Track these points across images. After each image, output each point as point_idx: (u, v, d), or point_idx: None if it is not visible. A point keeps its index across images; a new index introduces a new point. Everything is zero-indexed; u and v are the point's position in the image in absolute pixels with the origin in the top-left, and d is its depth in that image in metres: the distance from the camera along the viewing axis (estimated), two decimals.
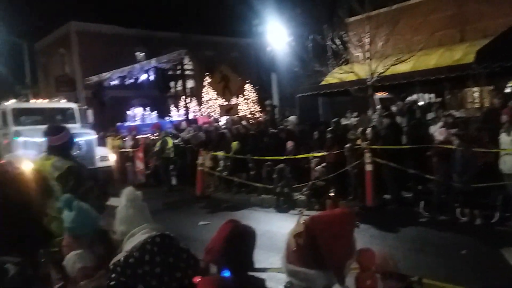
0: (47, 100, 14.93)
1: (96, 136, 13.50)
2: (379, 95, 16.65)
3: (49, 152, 3.99)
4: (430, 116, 10.75)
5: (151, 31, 30.62)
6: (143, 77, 18.43)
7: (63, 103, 14.91)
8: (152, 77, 17.91)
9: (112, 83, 20.33)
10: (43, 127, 13.78)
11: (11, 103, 13.59)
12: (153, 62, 18.06)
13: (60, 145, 3.97)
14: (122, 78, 19.62)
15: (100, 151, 12.87)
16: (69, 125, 12.67)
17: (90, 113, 14.90)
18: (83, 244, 3.00)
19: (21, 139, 11.88)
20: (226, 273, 2.11)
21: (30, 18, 32.14)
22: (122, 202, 2.53)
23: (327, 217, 1.55)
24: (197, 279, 2.22)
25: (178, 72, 19.59)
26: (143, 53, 31.24)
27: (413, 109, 10.52)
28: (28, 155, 9.79)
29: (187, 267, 2.36)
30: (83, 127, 13.76)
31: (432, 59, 13.39)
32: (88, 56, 28.75)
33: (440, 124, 8.08)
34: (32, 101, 14.68)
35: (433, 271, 5.36)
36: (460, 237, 6.65)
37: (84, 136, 12.31)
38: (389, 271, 1.65)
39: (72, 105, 14.67)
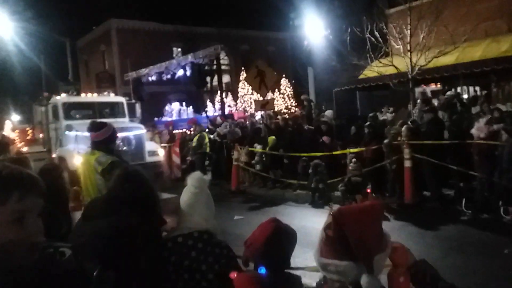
0: (96, 94, 14.81)
1: (146, 130, 13.14)
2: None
3: (93, 147, 4.12)
4: (475, 110, 10.30)
5: (188, 27, 31.06)
6: (180, 72, 18.72)
7: (112, 97, 14.75)
8: (188, 73, 18.16)
9: (150, 78, 20.80)
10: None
11: (62, 97, 13.37)
12: (190, 57, 18.30)
13: (102, 140, 4.10)
14: (160, 73, 20.02)
15: (149, 146, 12.58)
16: (118, 119, 12.62)
17: (138, 107, 14.69)
18: None
19: (72, 133, 11.70)
20: (262, 270, 2.13)
21: (72, 17, 33.33)
22: (189, 184, 2.52)
23: (355, 209, 1.56)
24: (233, 275, 2.22)
25: (214, 67, 19.76)
26: (180, 49, 31.75)
27: (453, 103, 10.09)
28: (79, 149, 9.92)
29: (208, 270, 2.35)
30: (131, 121, 13.63)
31: (477, 51, 12.83)
32: (127, 52, 29.52)
33: (482, 120, 7.72)
34: (82, 95, 14.40)
35: (473, 271, 5.16)
36: (503, 237, 6.34)
37: (134, 130, 12.06)
38: (422, 270, 1.61)
39: (121, 99, 14.48)
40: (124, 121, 13.11)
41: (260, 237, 2.18)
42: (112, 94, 15.29)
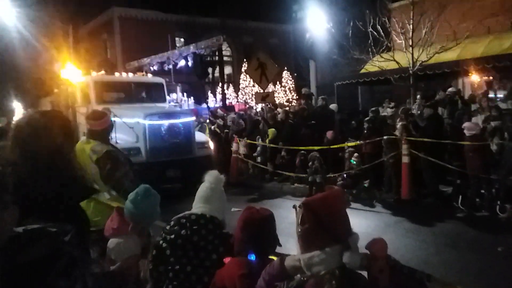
0: (131, 74, 12.77)
1: (194, 117, 11.13)
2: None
3: (89, 136, 4.13)
4: (474, 107, 10.30)
5: (191, 17, 30.89)
6: (182, 62, 18.67)
7: (150, 78, 12.82)
8: (190, 63, 18.12)
9: (152, 68, 20.75)
10: (132, 106, 10.72)
11: (93, 75, 11.28)
12: (192, 48, 18.25)
13: (100, 130, 4.11)
14: (161, 63, 19.96)
15: (198, 137, 10.51)
16: (157, 104, 11.31)
17: (179, 90, 12.89)
18: (134, 231, 3.07)
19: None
20: (252, 256, 2.26)
21: (75, 4, 33.07)
22: (206, 180, 2.75)
23: (319, 197, 1.64)
24: (227, 259, 2.38)
25: (216, 58, 19.71)
26: (183, 39, 31.62)
27: (455, 100, 10.11)
28: (119, 141, 8.58)
29: (213, 251, 2.50)
30: (172, 106, 11.84)
31: (479, 48, 12.80)
32: (129, 41, 29.43)
33: (475, 117, 7.75)
34: (116, 74, 12.22)
35: (466, 267, 5.22)
36: (497, 234, 6.38)
37: (182, 117, 10.05)
38: (399, 264, 1.68)
39: (160, 80, 12.42)
40: (164, 106, 11.42)
41: (237, 227, 2.34)
42: (149, 74, 13.26)
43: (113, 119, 8.96)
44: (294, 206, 1.66)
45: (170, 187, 9.33)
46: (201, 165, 9.56)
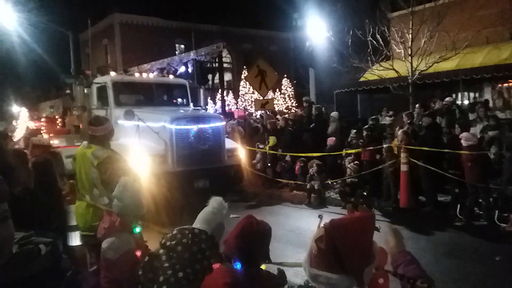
0: (152, 75, 11.93)
1: (224, 122, 10.25)
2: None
3: (90, 141, 4.19)
4: (472, 116, 10.35)
5: (191, 24, 31.06)
6: (182, 69, 18.72)
7: (172, 79, 11.97)
8: (190, 69, 18.16)
9: (152, 74, 20.79)
10: (156, 109, 10.10)
11: (111, 75, 10.41)
12: (192, 54, 18.31)
13: (101, 135, 4.17)
14: (162, 69, 19.99)
15: (228, 143, 9.60)
16: (180, 108, 10.53)
17: (202, 93, 11.96)
18: (126, 227, 3.16)
19: (131, 123, 8.62)
20: (238, 265, 2.31)
21: (76, 9, 33.28)
22: (210, 205, 2.84)
23: (346, 222, 1.56)
24: (216, 265, 2.44)
25: (216, 65, 19.77)
26: (183, 45, 31.76)
27: (452, 109, 10.17)
28: (144, 146, 8.15)
29: (207, 267, 2.53)
30: (196, 109, 10.93)
31: (478, 57, 12.88)
32: (130, 47, 29.54)
33: (478, 126, 7.79)
34: (136, 74, 11.41)
35: (464, 276, 5.22)
36: (496, 243, 6.40)
37: (211, 122, 9.14)
38: (399, 272, 1.69)
39: (183, 82, 11.57)
40: (188, 109, 10.56)
41: (234, 233, 2.37)
42: (171, 76, 12.65)
43: (137, 123, 8.55)
44: (320, 217, 1.64)
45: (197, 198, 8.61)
46: (231, 175, 9.08)
